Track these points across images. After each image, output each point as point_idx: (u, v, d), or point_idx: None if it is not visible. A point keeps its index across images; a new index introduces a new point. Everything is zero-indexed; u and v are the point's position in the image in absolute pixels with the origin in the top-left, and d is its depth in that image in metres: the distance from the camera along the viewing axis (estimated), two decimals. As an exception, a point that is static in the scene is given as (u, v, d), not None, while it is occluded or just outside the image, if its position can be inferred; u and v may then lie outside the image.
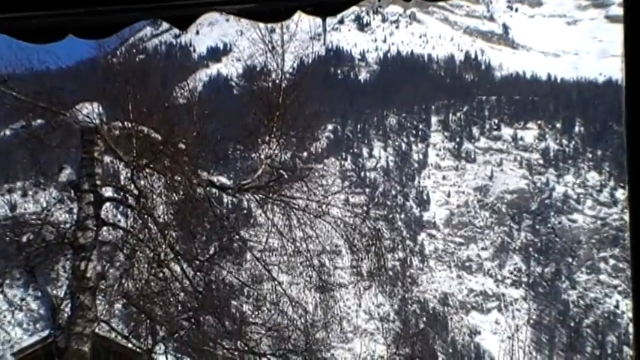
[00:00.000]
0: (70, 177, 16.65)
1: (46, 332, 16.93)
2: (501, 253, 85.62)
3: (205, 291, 17.06)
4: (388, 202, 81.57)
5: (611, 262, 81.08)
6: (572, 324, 62.40)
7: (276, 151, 17.79)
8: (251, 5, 2.35)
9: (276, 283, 17.94)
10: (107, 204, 16.51)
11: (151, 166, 16.51)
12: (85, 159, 16.05)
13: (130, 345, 16.83)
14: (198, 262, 17.15)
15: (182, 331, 16.98)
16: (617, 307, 72.20)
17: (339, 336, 19.16)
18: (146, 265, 16.49)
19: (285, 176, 17.80)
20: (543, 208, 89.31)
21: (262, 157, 17.63)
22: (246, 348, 17.21)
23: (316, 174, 19.05)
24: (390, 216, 76.82)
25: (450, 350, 58.42)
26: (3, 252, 16.89)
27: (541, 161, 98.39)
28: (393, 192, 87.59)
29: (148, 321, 16.64)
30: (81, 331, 15.55)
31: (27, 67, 16.79)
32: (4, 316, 17.27)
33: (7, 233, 17.16)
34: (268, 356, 17.43)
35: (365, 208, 47.49)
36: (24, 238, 16.72)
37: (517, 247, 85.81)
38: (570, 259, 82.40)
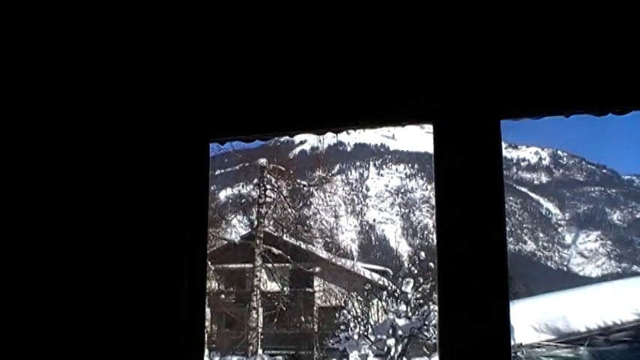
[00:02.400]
0: (255, 182, 24.11)
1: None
2: (403, 210, 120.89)
3: (299, 216, 25.50)
4: (354, 190, 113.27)
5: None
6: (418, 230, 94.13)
7: (321, 173, 26.42)
8: (320, 132, 3.22)
9: (321, 215, 26.47)
10: (268, 188, 24.03)
11: (281, 178, 24.28)
12: (260, 177, 23.79)
13: (275, 234, 24.03)
14: (296, 209, 25.02)
15: (292, 228, 24.86)
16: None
17: (339, 232, 30.70)
18: (279, 209, 24.74)
19: (324, 181, 26.30)
20: (411, 201, 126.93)
21: (317, 175, 26.27)
22: (310, 235, 25.49)
23: (333, 181, 29.70)
24: (356, 194, 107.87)
25: (377, 235, 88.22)
26: (235, 204, 25.50)
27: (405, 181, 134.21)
28: (358, 186, 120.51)
29: (281, 225, 24.40)
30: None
31: (242, 145, 23.00)
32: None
33: (241, 201, 25.41)
34: (317, 238, 25.78)
35: (349, 192, 75.10)
36: (242, 200, 25.23)
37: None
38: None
